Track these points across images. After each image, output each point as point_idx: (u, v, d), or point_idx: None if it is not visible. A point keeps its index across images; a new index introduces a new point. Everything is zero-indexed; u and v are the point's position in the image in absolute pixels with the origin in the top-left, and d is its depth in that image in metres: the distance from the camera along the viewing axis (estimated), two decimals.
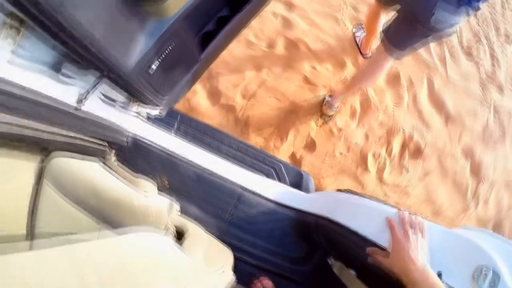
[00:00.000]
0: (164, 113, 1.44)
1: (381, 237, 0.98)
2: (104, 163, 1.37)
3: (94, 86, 1.08)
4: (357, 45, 2.10)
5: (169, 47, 1.08)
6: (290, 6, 2.07)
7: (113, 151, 1.47)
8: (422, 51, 2.35)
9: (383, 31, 1.52)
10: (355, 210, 1.24)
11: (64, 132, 1.11)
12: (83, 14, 0.73)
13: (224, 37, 1.35)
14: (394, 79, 2.14)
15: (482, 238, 0.95)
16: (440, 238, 0.96)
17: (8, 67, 0.78)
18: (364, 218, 1.15)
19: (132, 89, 1.19)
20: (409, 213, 0.96)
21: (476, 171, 2.24)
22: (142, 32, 0.94)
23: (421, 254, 0.81)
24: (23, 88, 0.84)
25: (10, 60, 0.79)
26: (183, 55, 1.23)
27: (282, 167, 1.62)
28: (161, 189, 1.49)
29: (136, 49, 0.95)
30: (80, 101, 1.04)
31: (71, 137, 1.15)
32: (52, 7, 0.64)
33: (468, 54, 2.64)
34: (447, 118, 2.25)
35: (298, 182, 1.62)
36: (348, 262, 1.28)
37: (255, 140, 1.82)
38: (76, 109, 1.05)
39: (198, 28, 1.34)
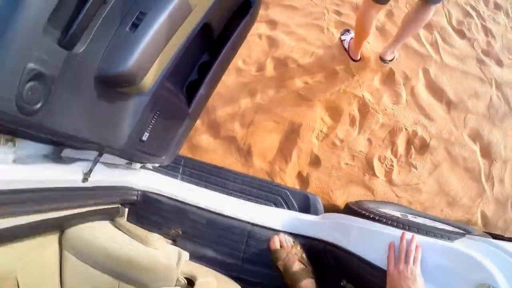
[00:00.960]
0: (167, 163, 1.46)
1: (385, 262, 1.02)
2: (116, 222, 1.41)
3: (95, 162, 1.10)
4: (346, 50, 2.07)
5: (156, 113, 1.09)
6: (272, 24, 2.05)
7: (125, 209, 1.50)
8: (412, 42, 2.30)
9: None
10: (359, 235, 1.25)
11: (76, 210, 1.15)
12: (66, 118, 0.75)
13: (209, 82, 1.36)
14: (389, 78, 2.10)
15: (484, 251, 0.95)
16: (441, 255, 0.98)
17: (15, 166, 0.82)
18: (368, 243, 1.18)
19: (130, 158, 1.21)
20: (412, 236, 1.02)
21: (486, 152, 2.20)
22: (126, 111, 0.95)
23: (412, 283, 0.90)
24: (31, 181, 0.86)
25: (15, 160, 0.82)
26: (171, 115, 1.24)
27: (289, 193, 1.64)
28: (174, 237, 1.52)
29: (125, 126, 0.97)
30: (85, 176, 1.07)
31: (82, 212, 1.19)
32: (35, 126, 0.65)
33: (460, 32, 2.58)
34: (449, 105, 2.21)
35: (306, 206, 1.63)
36: (359, 285, 1.29)
37: (260, 166, 1.83)
38: (83, 181, 1.09)
39: (182, 81, 1.34)
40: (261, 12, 2.10)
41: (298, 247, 1.36)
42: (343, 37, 2.12)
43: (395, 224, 1.21)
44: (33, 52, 0.57)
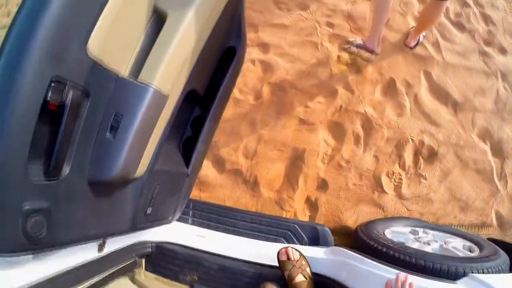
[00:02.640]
0: (174, 220, 1.45)
1: None
2: (135, 280, 1.41)
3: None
4: (363, 48, 1.98)
5: (155, 187, 1.07)
6: (264, 47, 1.96)
7: (142, 260, 1.50)
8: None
9: None
10: (361, 275, 1.24)
11: (95, 278, 1.13)
12: (71, 228, 0.76)
13: (205, 137, 1.33)
14: (390, 88, 2.01)
15: None
16: None
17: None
18: (370, 284, 1.17)
19: (138, 230, 1.19)
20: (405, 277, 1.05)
21: (498, 151, 2.10)
22: (126, 198, 0.93)
23: None
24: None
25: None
26: (171, 183, 1.21)
27: (297, 227, 1.61)
28: (191, 283, 1.51)
29: (127, 211, 0.95)
30: (100, 247, 1.05)
31: (101, 280, 1.18)
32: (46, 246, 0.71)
33: (459, 25, 2.45)
34: (455, 107, 2.11)
35: (315, 237, 1.61)
36: None
37: (268, 195, 1.79)
38: (99, 251, 1.07)
39: (177, 139, 1.31)
40: (252, 35, 2.01)
41: (303, 261, 1.39)
42: (353, 48, 2.01)
43: (402, 257, 1.26)
44: (24, 197, 0.60)
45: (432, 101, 2.07)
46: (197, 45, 1.02)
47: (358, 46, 2.01)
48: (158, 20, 0.88)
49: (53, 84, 0.60)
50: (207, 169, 1.80)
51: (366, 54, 2.02)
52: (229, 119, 1.83)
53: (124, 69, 0.80)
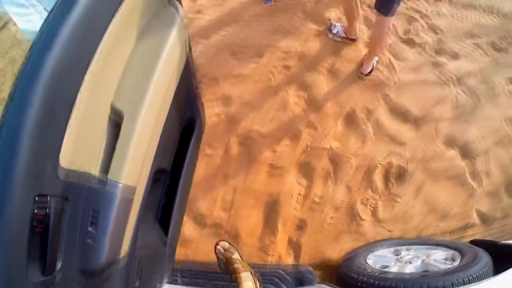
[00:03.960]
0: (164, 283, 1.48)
1: None
2: None
3: None
4: (344, 38, 2.32)
5: (140, 261, 1.11)
6: (227, 100, 2.02)
7: None
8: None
9: (375, 9, 1.87)
10: None
11: None
12: None
13: (179, 202, 1.38)
14: (351, 118, 2.07)
15: None
16: None
17: None
18: None
19: None
20: None
21: (466, 153, 2.16)
22: (114, 278, 0.97)
23: None
24: None
25: None
26: (154, 253, 1.26)
27: (281, 271, 1.65)
28: None
29: None
30: None
31: None
32: None
33: (409, 41, 2.53)
34: (417, 122, 2.17)
35: (300, 278, 1.65)
36: None
37: (251, 243, 1.82)
38: None
39: (154, 211, 1.35)
40: (214, 89, 2.08)
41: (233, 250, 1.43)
42: (334, 31, 2.33)
43: (382, 284, 1.29)
44: None
45: (394, 122, 2.14)
46: (156, 133, 1.07)
47: (340, 36, 2.32)
48: (117, 118, 0.93)
49: (37, 199, 0.68)
50: (189, 226, 1.83)
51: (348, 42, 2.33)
52: (203, 174, 1.88)
53: (94, 169, 0.87)
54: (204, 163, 1.89)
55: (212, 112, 1.98)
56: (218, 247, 1.44)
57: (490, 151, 2.21)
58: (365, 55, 2.28)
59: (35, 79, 0.68)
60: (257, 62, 2.15)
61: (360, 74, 2.23)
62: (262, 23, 2.43)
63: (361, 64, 2.24)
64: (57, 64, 0.70)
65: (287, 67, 2.14)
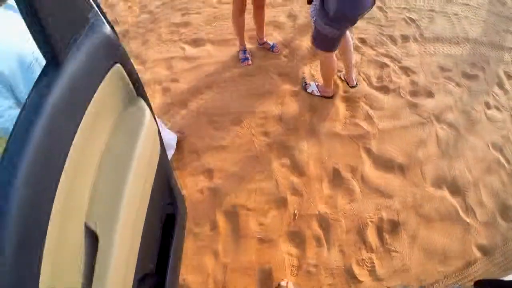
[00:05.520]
0: None
1: None
2: None
3: None
4: (319, 96, 2.39)
5: None
6: (209, 173, 1.98)
7: None
8: (348, 127, 2.27)
9: (313, 43, 2.10)
10: None
11: None
12: None
13: None
14: (336, 178, 2.02)
15: None
16: None
17: None
18: None
19: None
20: None
21: (455, 189, 2.11)
22: None
23: None
24: None
25: None
26: None
27: None
28: None
29: None
30: None
31: None
32: None
33: (383, 88, 2.55)
34: (401, 169, 2.14)
35: None
36: None
37: None
38: None
39: None
40: (195, 163, 2.04)
41: None
42: (309, 90, 2.40)
43: None
44: None
45: (379, 174, 2.10)
46: (136, 242, 0.99)
47: (315, 95, 2.40)
48: (92, 238, 0.87)
49: None
50: None
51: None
52: (191, 254, 1.80)
53: None
54: (192, 242, 1.82)
55: (195, 188, 1.94)
56: None
57: (479, 181, 2.18)
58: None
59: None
60: (236, 131, 2.14)
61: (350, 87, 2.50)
62: (237, 87, 2.45)
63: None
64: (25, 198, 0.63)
65: (266, 134, 2.12)
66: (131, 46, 3.04)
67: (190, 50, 2.79)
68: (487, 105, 2.65)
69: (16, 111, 1.03)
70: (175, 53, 2.80)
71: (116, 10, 3.75)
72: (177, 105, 2.38)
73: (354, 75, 2.49)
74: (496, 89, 2.82)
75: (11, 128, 1.04)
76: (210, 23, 3.04)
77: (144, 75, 2.67)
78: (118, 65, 0.92)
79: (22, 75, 1.07)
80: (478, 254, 1.97)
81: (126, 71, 0.97)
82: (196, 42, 2.86)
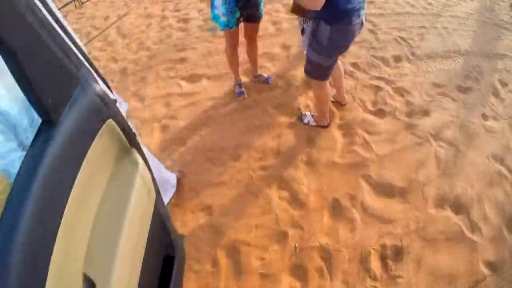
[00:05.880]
0: None
1: None
2: None
3: None
4: (316, 126, 2.40)
5: None
6: (208, 210, 2.00)
7: None
8: (345, 155, 2.29)
9: (307, 73, 2.15)
10: None
11: None
12: None
13: None
14: (336, 208, 2.02)
15: None
16: None
17: None
18: None
19: None
20: None
21: (458, 208, 2.07)
22: None
23: None
24: None
25: None
26: None
27: None
28: None
29: None
30: None
31: None
32: None
33: (379, 112, 2.57)
34: (402, 194, 2.13)
35: None
36: None
37: None
38: None
39: None
40: (195, 201, 2.07)
41: None
42: (305, 121, 2.44)
43: None
44: None
45: (379, 201, 2.09)
46: None
47: (311, 125, 2.43)
48: (90, 286, 0.89)
49: None
50: None
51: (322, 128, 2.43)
52: None
53: None
54: (193, 280, 1.83)
55: (195, 225, 1.96)
56: None
57: (482, 196, 2.14)
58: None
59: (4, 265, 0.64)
60: (234, 167, 2.18)
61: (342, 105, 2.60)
62: (234, 122, 2.50)
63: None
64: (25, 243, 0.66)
65: (264, 168, 2.15)
66: (130, 84, 3.15)
67: (186, 87, 2.88)
68: (484, 117, 2.65)
69: (18, 153, 1.07)
70: (173, 89, 2.89)
71: (115, 47, 3.90)
72: (175, 142, 2.44)
73: (344, 92, 2.58)
74: (492, 99, 2.82)
75: (12, 170, 1.09)
76: (206, 58, 3.14)
77: (143, 113, 2.75)
78: (110, 120, 0.96)
79: (27, 115, 1.12)
80: (486, 271, 1.92)
81: (118, 125, 1.01)
82: (192, 78, 2.95)
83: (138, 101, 2.91)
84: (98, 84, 0.97)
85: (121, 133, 1.05)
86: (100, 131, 0.92)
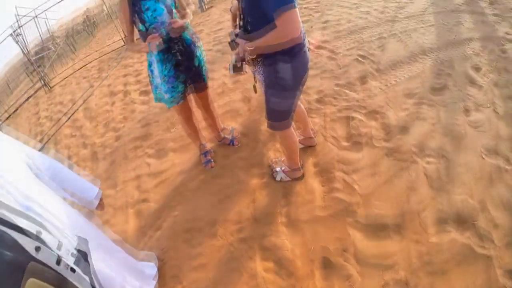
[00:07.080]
0: None
1: None
2: None
3: None
4: (289, 179, 2.27)
5: None
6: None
7: None
8: (327, 203, 2.15)
9: (270, 126, 2.05)
10: None
11: None
12: None
13: None
14: (327, 267, 1.84)
15: None
16: None
17: None
18: None
19: None
20: None
21: (462, 223, 1.89)
22: None
23: None
24: None
25: None
26: None
27: None
28: None
29: None
30: None
31: None
32: None
33: (355, 145, 2.43)
34: (398, 230, 1.93)
35: None
36: None
37: None
38: None
39: None
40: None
41: None
42: (278, 178, 2.31)
43: None
44: None
45: (374, 246, 1.91)
46: None
47: (284, 180, 2.30)
48: None
49: None
50: None
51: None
52: None
53: None
54: None
55: None
56: None
57: (485, 201, 1.97)
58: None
59: None
60: (213, 245, 2.04)
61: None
62: (205, 195, 2.38)
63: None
64: None
65: (244, 240, 2.01)
66: (101, 168, 3.11)
67: (154, 164, 2.82)
68: (466, 112, 2.52)
69: None
70: (142, 170, 2.83)
71: (83, 131, 3.92)
72: (151, 227, 2.34)
73: (312, 133, 2.50)
74: (470, 89, 2.71)
75: None
76: (169, 129, 3.10)
77: (116, 201, 2.67)
78: (32, 279, 0.89)
79: None
80: (507, 281, 1.72)
81: (44, 280, 0.94)
82: (159, 154, 2.89)
83: (110, 187, 2.85)
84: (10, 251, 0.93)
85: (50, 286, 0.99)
86: None
